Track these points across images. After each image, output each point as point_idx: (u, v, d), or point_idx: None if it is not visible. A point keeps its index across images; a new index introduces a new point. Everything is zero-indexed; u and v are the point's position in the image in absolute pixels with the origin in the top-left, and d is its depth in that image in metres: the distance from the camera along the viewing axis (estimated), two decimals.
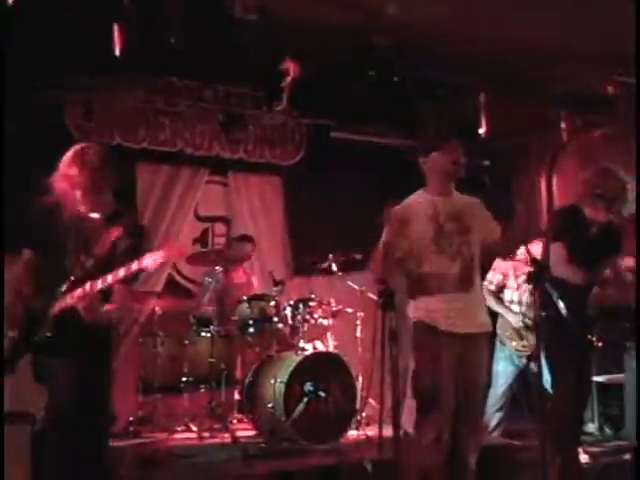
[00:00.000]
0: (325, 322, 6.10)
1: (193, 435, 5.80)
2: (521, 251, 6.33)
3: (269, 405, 5.53)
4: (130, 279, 3.62)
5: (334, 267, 6.36)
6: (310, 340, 6.04)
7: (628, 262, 4.94)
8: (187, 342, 6.07)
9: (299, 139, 7.60)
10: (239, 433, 5.73)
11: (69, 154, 3.73)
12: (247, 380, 5.86)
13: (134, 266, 3.51)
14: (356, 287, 6.50)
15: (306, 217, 7.48)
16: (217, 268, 6.13)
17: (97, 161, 3.70)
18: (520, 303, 6.30)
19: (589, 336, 4.24)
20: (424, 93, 6.80)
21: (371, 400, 6.09)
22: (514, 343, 6.14)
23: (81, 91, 6.55)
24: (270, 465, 4.99)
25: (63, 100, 6.49)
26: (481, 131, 6.37)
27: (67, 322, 3.55)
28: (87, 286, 3.52)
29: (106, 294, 3.61)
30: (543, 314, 3.69)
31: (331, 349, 6.12)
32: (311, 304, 6.03)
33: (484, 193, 4.04)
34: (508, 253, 5.69)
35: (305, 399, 5.46)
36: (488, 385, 5.63)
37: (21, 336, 3.61)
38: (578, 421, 4.79)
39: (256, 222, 7.44)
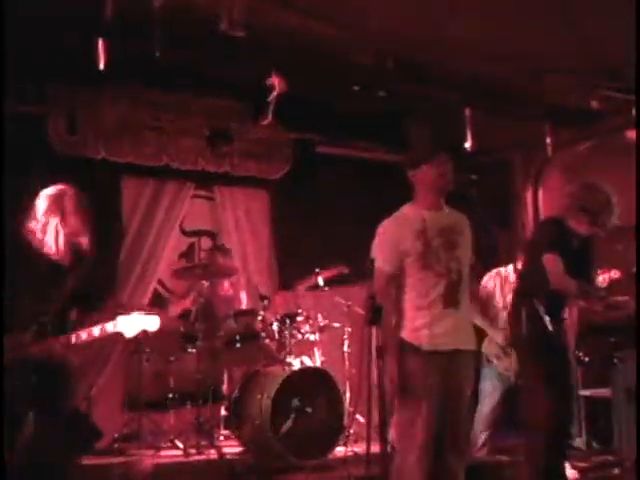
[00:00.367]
0: (312, 337, 6.07)
1: (179, 452, 5.73)
2: (509, 268, 6.38)
3: (256, 421, 5.48)
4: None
5: (320, 282, 6.32)
6: (297, 355, 6.01)
7: (607, 275, 4.97)
8: (173, 358, 6.02)
9: (285, 153, 7.60)
10: (226, 449, 5.69)
11: (45, 201, 3.73)
12: (234, 396, 5.82)
13: (110, 328, 3.53)
14: (343, 302, 6.48)
15: (292, 231, 7.48)
16: (203, 282, 6.07)
17: (73, 206, 3.72)
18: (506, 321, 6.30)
19: (576, 351, 4.22)
20: (410, 108, 6.81)
21: (358, 416, 6.07)
22: (501, 361, 6.13)
23: (65, 104, 6.52)
24: None
25: (46, 113, 6.46)
26: (467, 145, 6.38)
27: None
28: (61, 339, 3.54)
29: None
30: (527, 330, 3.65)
31: (318, 364, 6.09)
32: (298, 319, 6.00)
33: (471, 207, 4.01)
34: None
35: (292, 415, 5.43)
36: (475, 403, 5.61)
37: None
38: (564, 436, 4.76)
39: (242, 236, 7.43)
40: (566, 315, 4.61)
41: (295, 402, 5.48)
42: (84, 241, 3.81)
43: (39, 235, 3.73)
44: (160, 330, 6.16)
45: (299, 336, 5.97)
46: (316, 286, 6.46)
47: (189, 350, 6.03)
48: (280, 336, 5.94)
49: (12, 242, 3.74)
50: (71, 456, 3.97)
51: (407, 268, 3.83)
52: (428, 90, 6.42)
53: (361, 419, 6.04)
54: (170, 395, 5.95)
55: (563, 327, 4.37)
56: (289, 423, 5.41)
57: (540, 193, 7.46)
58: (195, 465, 5.45)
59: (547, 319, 3.60)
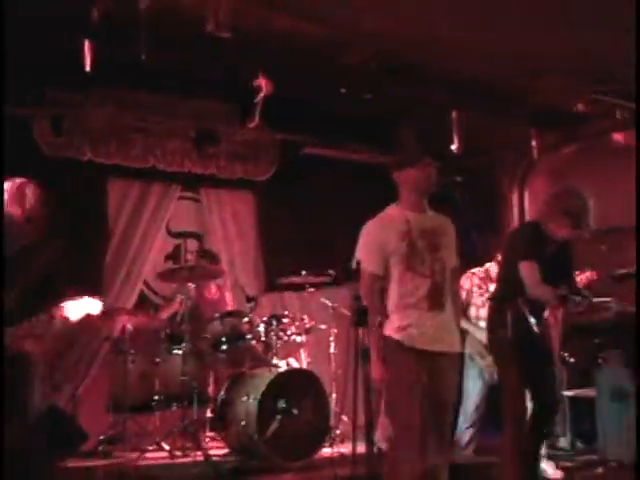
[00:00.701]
0: (298, 339, 6.07)
1: (165, 454, 5.72)
2: (486, 267, 6.42)
3: (242, 423, 5.49)
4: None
5: (307, 284, 6.33)
6: (283, 357, 6.02)
7: (586, 277, 5.01)
8: (158, 360, 6.01)
9: (272, 155, 7.61)
10: (212, 451, 5.68)
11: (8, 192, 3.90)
12: (219, 398, 5.81)
13: (56, 313, 3.56)
14: (329, 303, 6.49)
15: (279, 233, 7.48)
16: (189, 285, 6.06)
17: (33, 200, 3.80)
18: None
19: (561, 352, 4.25)
20: (397, 110, 6.82)
21: (344, 417, 6.09)
22: (483, 359, 6.16)
23: (50, 106, 6.50)
24: None
25: (32, 115, 6.44)
26: (453, 147, 6.40)
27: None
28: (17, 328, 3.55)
29: None
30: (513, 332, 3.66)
31: (304, 366, 6.09)
32: (284, 320, 6.00)
33: (456, 209, 4.03)
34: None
35: (278, 416, 5.43)
36: (459, 402, 5.63)
37: None
38: (544, 437, 4.79)
39: (228, 238, 7.43)
40: (547, 315, 4.66)
41: (281, 404, 5.49)
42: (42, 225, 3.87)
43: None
44: (146, 331, 6.25)
45: (285, 338, 5.97)
46: (302, 288, 6.47)
47: (175, 352, 6.02)
48: (266, 338, 5.94)
49: None
50: (54, 458, 3.96)
51: (391, 269, 3.85)
52: (415, 91, 6.42)
53: (346, 420, 6.08)
54: (156, 397, 5.93)
55: (546, 328, 4.40)
56: (275, 425, 5.41)
57: (526, 195, 7.49)
58: (181, 467, 5.43)
59: (533, 321, 3.62)
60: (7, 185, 3.95)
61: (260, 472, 5.26)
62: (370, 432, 3.43)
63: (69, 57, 5.39)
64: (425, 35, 5.74)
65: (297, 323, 6.09)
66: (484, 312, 6.14)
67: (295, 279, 6.36)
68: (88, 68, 4.90)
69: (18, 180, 4.03)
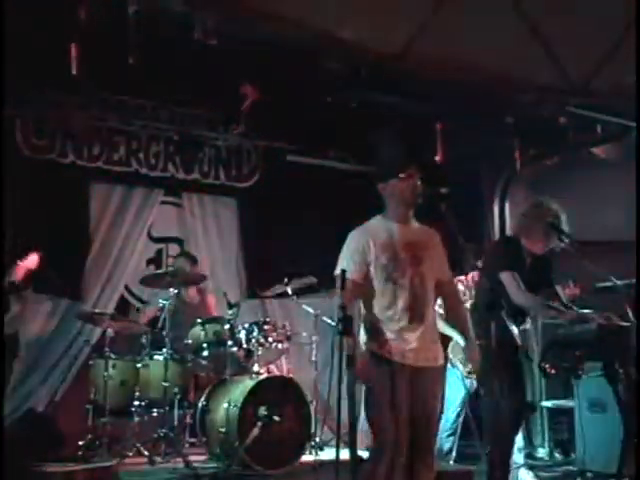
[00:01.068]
0: (280, 346, 6.07)
1: (144, 459, 5.68)
2: (470, 275, 6.47)
3: (222, 429, 5.48)
4: None
5: (289, 291, 6.34)
6: (265, 364, 6.02)
7: (570, 290, 5.07)
8: (139, 365, 5.97)
9: (254, 161, 7.62)
10: (191, 457, 5.65)
11: None
12: (200, 404, 5.80)
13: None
14: (311, 311, 6.50)
15: (261, 239, 7.48)
16: (171, 290, 6.04)
17: None
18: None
19: (542, 364, 4.30)
20: (379, 119, 6.85)
21: (325, 424, 6.12)
22: (465, 366, 6.20)
23: (33, 108, 6.47)
24: None
25: (14, 116, 6.40)
26: (436, 158, 6.45)
27: None
28: None
29: None
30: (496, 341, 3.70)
31: (285, 373, 6.10)
32: (266, 327, 6.00)
33: (442, 220, 4.04)
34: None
35: (259, 424, 5.42)
36: (441, 412, 5.66)
37: None
38: (512, 443, 4.83)
39: (210, 243, 7.42)
40: (527, 326, 4.72)
41: (262, 411, 5.48)
42: None
43: None
44: (127, 336, 6.22)
45: (267, 344, 5.96)
46: (284, 295, 6.48)
47: (156, 357, 5.99)
48: (248, 344, 5.93)
49: None
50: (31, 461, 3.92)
51: (373, 280, 3.84)
52: (399, 102, 6.46)
53: (326, 428, 6.10)
54: (136, 402, 5.88)
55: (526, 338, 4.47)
56: (256, 431, 5.40)
57: (507, 206, 7.56)
58: (161, 472, 5.41)
59: (515, 331, 3.65)
60: None
61: (241, 479, 5.25)
62: (354, 440, 3.43)
63: (53, 59, 5.39)
64: (408, 46, 5.78)
65: (279, 330, 6.08)
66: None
67: (278, 286, 6.35)
68: (74, 71, 4.85)
69: None
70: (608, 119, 6.14)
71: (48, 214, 6.45)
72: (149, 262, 7.22)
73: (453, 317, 4.11)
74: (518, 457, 5.53)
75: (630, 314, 3.95)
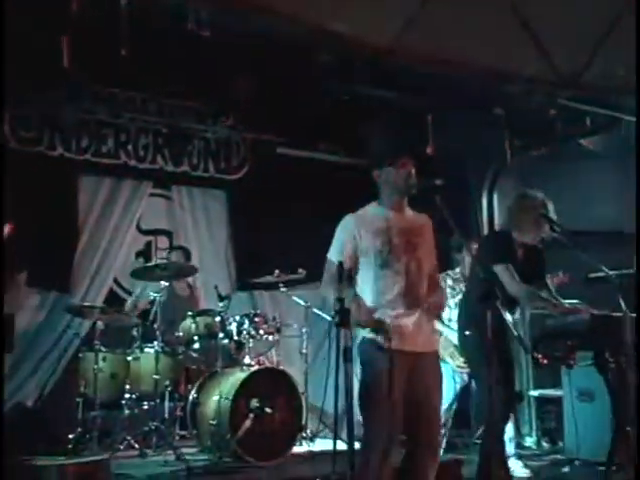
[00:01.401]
0: (271, 338, 6.08)
1: (135, 452, 5.68)
2: (459, 269, 6.50)
3: (214, 422, 5.49)
4: None
5: (280, 283, 6.35)
6: (255, 356, 6.03)
7: (558, 279, 5.12)
8: (130, 358, 5.96)
9: (244, 154, 7.60)
10: (183, 450, 5.64)
11: None
12: (191, 397, 5.80)
13: None
14: (302, 303, 6.51)
15: (250, 231, 7.47)
16: (162, 283, 6.03)
17: None
18: None
19: (535, 354, 4.33)
20: (370, 112, 6.86)
21: (316, 415, 6.14)
22: (455, 360, 6.24)
23: (21, 100, 6.41)
24: None
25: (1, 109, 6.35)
26: (427, 150, 6.47)
27: None
28: None
29: None
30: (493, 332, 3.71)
31: (276, 365, 6.11)
32: (256, 319, 6.00)
33: (436, 213, 4.04)
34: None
35: (251, 416, 5.42)
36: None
37: None
38: (503, 432, 4.87)
39: (199, 236, 7.41)
40: (516, 316, 4.76)
41: (254, 403, 5.48)
42: None
43: None
44: (117, 329, 6.20)
45: (258, 337, 5.97)
46: (274, 286, 6.49)
47: (147, 350, 5.98)
48: (239, 337, 5.94)
49: None
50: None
51: (365, 265, 3.86)
52: (389, 94, 6.47)
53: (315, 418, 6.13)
54: (127, 395, 5.87)
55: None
56: (248, 424, 5.41)
57: (495, 198, 7.59)
58: (153, 465, 5.40)
59: (510, 320, 3.68)
60: None
61: (233, 471, 5.25)
62: (351, 431, 3.45)
63: (42, 51, 5.35)
64: (396, 40, 5.78)
65: (269, 322, 6.09)
66: (456, 314, 6.23)
67: (268, 278, 6.35)
68: (65, 64, 4.82)
69: None
70: (597, 111, 6.17)
71: (36, 207, 6.41)
72: (138, 254, 7.20)
73: None
74: (509, 447, 5.58)
75: (623, 304, 3.98)
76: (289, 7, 5.30)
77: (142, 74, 6.34)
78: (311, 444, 6.03)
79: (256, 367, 5.76)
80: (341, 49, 5.83)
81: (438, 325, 6.13)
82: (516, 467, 5.76)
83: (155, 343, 5.88)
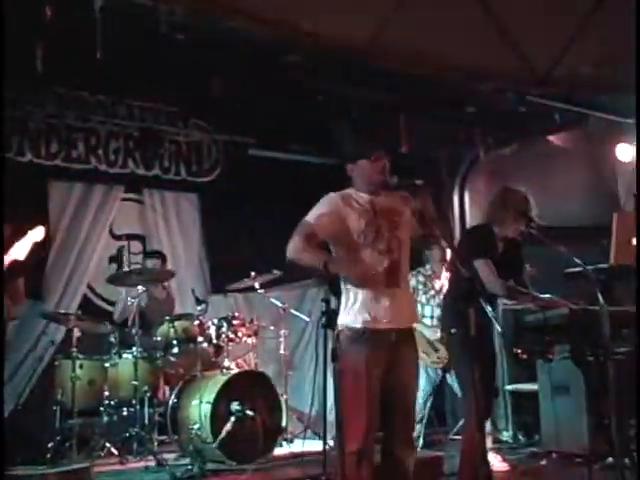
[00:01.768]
0: (249, 340, 6.07)
1: (115, 460, 5.63)
2: (427, 268, 6.56)
3: (195, 426, 5.46)
4: None
5: (256, 285, 6.34)
6: (234, 359, 6.02)
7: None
8: (108, 365, 5.90)
9: (215, 156, 7.57)
10: (163, 455, 5.61)
11: None
12: (171, 401, 5.77)
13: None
14: (279, 304, 6.51)
15: (224, 234, 7.44)
16: (139, 288, 5.98)
17: None
18: (432, 317, 6.51)
19: (515, 349, 4.39)
20: (342, 111, 6.88)
21: (294, 416, 6.16)
22: (429, 356, 6.31)
23: None
24: None
25: None
26: (402, 148, 6.51)
27: None
28: None
29: None
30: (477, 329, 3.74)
31: (255, 367, 6.11)
32: (235, 322, 5.99)
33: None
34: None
35: (232, 419, 5.42)
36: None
37: None
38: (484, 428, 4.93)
39: (172, 239, 7.35)
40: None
41: (235, 406, 5.47)
42: None
43: None
44: (93, 336, 6.14)
45: (237, 340, 5.96)
46: (251, 289, 6.48)
47: (125, 356, 5.93)
48: (218, 340, 5.93)
49: None
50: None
51: (350, 245, 3.85)
52: (361, 93, 6.49)
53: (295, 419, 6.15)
54: (105, 402, 5.82)
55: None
56: (228, 427, 5.40)
57: (466, 195, 7.66)
58: (134, 472, 5.37)
59: (494, 316, 3.73)
60: None
61: (216, 475, 5.24)
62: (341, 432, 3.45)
63: (8, 54, 5.27)
64: (371, 36, 5.80)
65: (247, 325, 6.09)
66: (429, 310, 6.31)
67: (245, 281, 6.34)
68: (38, 67, 4.76)
69: None
70: (567, 108, 6.25)
71: (5, 213, 6.30)
72: (111, 260, 7.13)
73: None
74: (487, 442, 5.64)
75: (600, 299, 4.05)
76: (260, 7, 5.29)
77: (111, 77, 6.29)
78: (291, 445, 6.03)
79: (236, 370, 5.75)
80: (314, 49, 5.83)
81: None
82: (494, 461, 5.84)
83: (134, 349, 5.84)
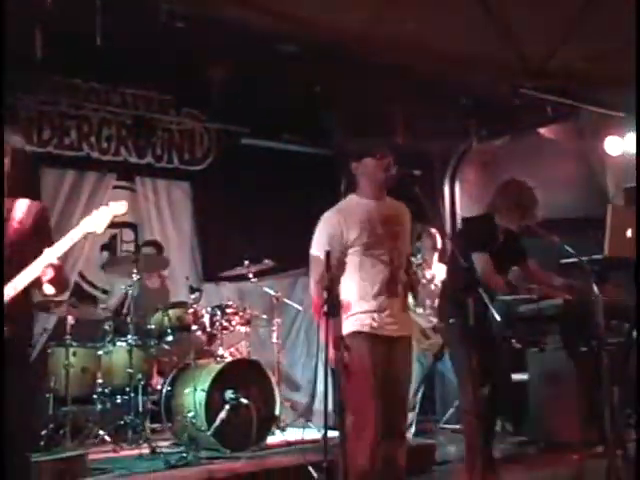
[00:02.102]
0: (243, 329, 6.10)
1: (109, 447, 5.64)
2: (419, 257, 6.61)
3: (189, 414, 5.48)
4: None
5: (250, 274, 6.36)
6: (228, 347, 6.04)
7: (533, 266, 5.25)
8: (101, 352, 5.91)
9: (208, 145, 7.57)
10: (157, 443, 5.63)
11: None
12: (165, 389, 5.79)
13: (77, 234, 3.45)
14: (272, 293, 6.54)
15: (215, 222, 7.46)
16: (134, 276, 5.98)
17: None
18: (424, 306, 6.55)
19: (509, 338, 4.44)
20: (334, 102, 6.90)
21: (287, 404, 6.20)
22: (421, 343, 6.37)
23: None
24: (197, 474, 4.94)
25: None
26: (398, 139, 6.55)
27: None
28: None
29: None
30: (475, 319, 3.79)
31: (248, 355, 6.13)
32: (228, 311, 6.01)
33: (414, 203, 4.09)
34: None
35: (227, 407, 5.44)
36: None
37: None
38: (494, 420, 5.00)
39: (164, 228, 7.36)
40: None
41: (229, 394, 5.50)
42: None
43: None
44: (87, 323, 6.13)
45: (231, 328, 5.98)
46: (244, 278, 6.50)
47: (119, 344, 5.94)
48: (212, 328, 5.94)
49: None
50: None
51: (352, 257, 3.90)
52: (354, 83, 6.51)
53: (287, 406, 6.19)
54: (99, 390, 5.83)
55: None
56: (223, 415, 5.42)
57: (457, 186, 7.72)
58: (129, 460, 5.37)
59: (493, 309, 3.77)
60: None
61: (210, 462, 5.26)
62: (342, 420, 3.50)
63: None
64: (364, 28, 5.82)
65: (241, 313, 6.11)
66: (420, 299, 6.35)
67: (238, 269, 6.36)
68: (33, 55, 4.73)
69: None
70: (561, 101, 6.31)
71: None
72: (103, 248, 7.12)
73: None
74: None
75: (595, 289, 4.10)
76: None
77: (105, 65, 6.27)
78: (284, 433, 6.06)
79: (230, 358, 5.77)
80: (310, 39, 5.85)
81: None
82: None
83: (128, 337, 5.85)
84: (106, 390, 5.86)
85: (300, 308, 6.98)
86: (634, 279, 4.50)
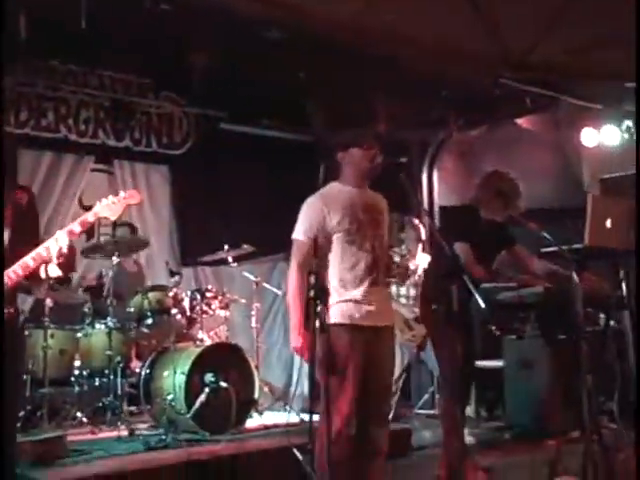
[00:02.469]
0: (222, 313, 6.12)
1: (87, 429, 5.64)
2: (403, 247, 6.65)
3: (169, 397, 5.49)
4: None
5: (230, 258, 6.37)
6: (207, 331, 6.05)
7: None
8: (80, 335, 5.90)
9: (187, 129, 7.55)
10: (135, 425, 5.64)
11: None
12: (144, 372, 5.79)
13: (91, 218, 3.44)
14: (252, 278, 6.56)
15: (194, 207, 7.46)
16: (114, 258, 5.96)
17: None
18: (408, 297, 6.61)
19: (489, 325, 4.51)
20: (314, 89, 6.91)
21: (265, 388, 6.23)
22: (403, 334, 6.42)
23: None
24: (176, 456, 4.96)
25: None
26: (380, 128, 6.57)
27: None
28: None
29: None
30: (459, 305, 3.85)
31: (227, 339, 6.15)
32: (208, 295, 6.03)
33: (398, 190, 4.12)
34: None
35: (206, 390, 5.46)
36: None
37: None
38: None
39: (142, 212, 7.33)
40: None
41: (209, 377, 5.51)
42: None
43: None
44: (65, 306, 6.10)
45: (210, 312, 6.00)
46: (223, 262, 6.51)
47: (98, 327, 5.93)
48: (191, 312, 5.95)
49: None
50: None
51: (334, 244, 3.92)
52: (336, 71, 6.52)
53: (266, 390, 6.23)
54: (76, 372, 5.82)
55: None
56: (202, 398, 5.44)
57: (435, 175, 7.78)
58: (106, 442, 5.38)
59: (479, 297, 3.82)
60: None
61: (190, 445, 5.28)
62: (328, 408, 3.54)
63: None
64: (348, 17, 5.82)
65: (220, 297, 6.13)
66: (404, 289, 6.40)
67: (219, 253, 6.37)
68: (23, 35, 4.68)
69: None
70: (541, 92, 6.38)
71: None
72: (81, 231, 7.05)
73: None
74: None
75: (575, 278, 4.17)
76: None
77: (82, 46, 6.21)
78: (261, 417, 6.10)
79: (209, 342, 5.79)
80: (293, 26, 5.84)
81: None
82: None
83: (108, 319, 5.83)
84: (84, 372, 5.87)
85: (279, 293, 7.00)
86: (635, 269, 4.59)
